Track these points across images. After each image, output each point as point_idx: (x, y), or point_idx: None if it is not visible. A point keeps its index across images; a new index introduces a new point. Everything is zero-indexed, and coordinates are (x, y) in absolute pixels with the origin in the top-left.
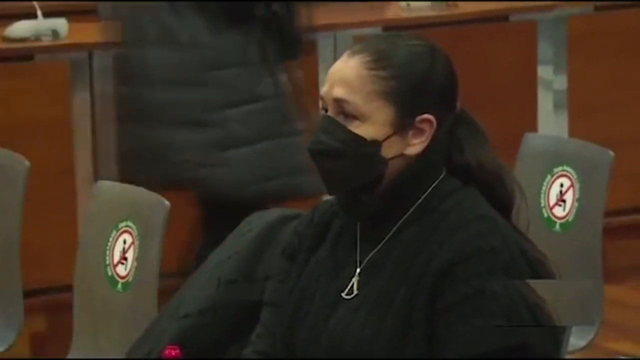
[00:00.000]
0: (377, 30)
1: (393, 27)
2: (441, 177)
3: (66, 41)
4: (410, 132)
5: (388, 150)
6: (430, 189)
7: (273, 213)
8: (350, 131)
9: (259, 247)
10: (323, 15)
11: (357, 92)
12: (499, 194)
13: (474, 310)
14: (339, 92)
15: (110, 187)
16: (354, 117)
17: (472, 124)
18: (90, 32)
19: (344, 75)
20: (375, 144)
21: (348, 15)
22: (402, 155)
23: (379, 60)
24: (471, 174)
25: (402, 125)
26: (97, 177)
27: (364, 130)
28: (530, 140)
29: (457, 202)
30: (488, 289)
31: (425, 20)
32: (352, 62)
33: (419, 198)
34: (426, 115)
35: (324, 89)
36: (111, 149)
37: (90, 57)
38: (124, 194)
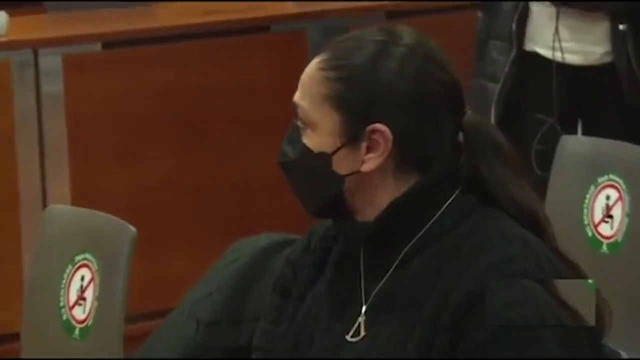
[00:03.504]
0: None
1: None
2: (455, 193)
3: (6, 38)
4: (364, 145)
5: (341, 165)
6: (442, 208)
7: (261, 239)
8: (301, 142)
9: (245, 280)
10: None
11: (307, 95)
12: (528, 210)
13: (507, 351)
14: (296, 95)
15: (63, 213)
16: (305, 124)
17: (485, 132)
18: (35, 27)
19: (303, 76)
20: (323, 157)
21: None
22: (358, 172)
23: (335, 59)
24: (491, 190)
25: (351, 136)
26: (46, 201)
27: (314, 140)
28: (569, 144)
29: (477, 222)
30: (521, 324)
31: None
32: (314, 61)
33: (430, 219)
34: (377, 125)
35: None
36: (64, 166)
37: (35, 56)
38: (80, 220)
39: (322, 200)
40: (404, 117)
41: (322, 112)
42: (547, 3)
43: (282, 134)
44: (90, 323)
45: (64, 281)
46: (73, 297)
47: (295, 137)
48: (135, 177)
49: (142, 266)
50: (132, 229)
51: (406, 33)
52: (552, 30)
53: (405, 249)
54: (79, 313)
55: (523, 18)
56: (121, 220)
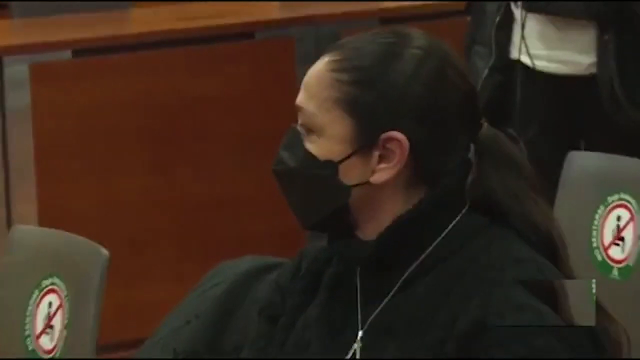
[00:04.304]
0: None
1: (391, 20)
2: (463, 212)
3: None
4: (376, 154)
5: (349, 175)
6: (449, 227)
7: (244, 263)
8: (304, 148)
9: (226, 307)
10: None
11: (313, 98)
12: (543, 230)
13: None
14: (299, 97)
15: (29, 234)
16: (309, 129)
17: (500, 146)
18: None
19: (308, 77)
20: (329, 166)
21: (335, 5)
22: (367, 183)
23: (346, 60)
24: (503, 207)
25: (363, 143)
26: (11, 220)
27: (319, 147)
28: (577, 160)
29: (486, 244)
30: (532, 357)
31: None
32: (320, 62)
33: (435, 239)
34: (393, 133)
35: None
36: (31, 183)
37: (0, 64)
38: (47, 242)
39: (322, 213)
40: (420, 125)
41: (332, 117)
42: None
43: (267, 148)
44: (58, 354)
45: (30, 308)
46: (40, 325)
47: (295, 142)
48: (107, 195)
49: (115, 292)
50: (104, 251)
51: (418, 35)
52: (535, 37)
53: (408, 271)
54: (46, 342)
55: (507, 23)
56: (92, 242)
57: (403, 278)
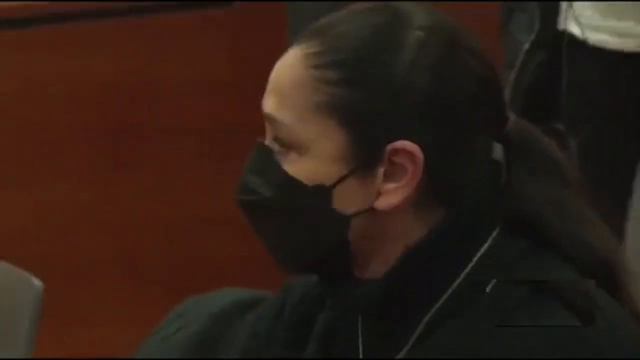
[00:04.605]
0: None
1: None
2: (494, 235)
3: None
4: (380, 171)
5: (345, 202)
6: (477, 256)
7: (218, 298)
8: (281, 170)
9: (195, 357)
10: None
11: (290, 106)
12: (600, 256)
13: None
14: (268, 104)
15: None
16: (288, 146)
17: (537, 145)
18: None
19: (277, 77)
20: (320, 192)
21: None
22: (370, 210)
23: (329, 52)
24: (545, 227)
25: (363, 159)
26: None
27: (303, 168)
28: None
29: (525, 276)
30: None
31: None
32: (292, 54)
33: (459, 274)
34: (402, 143)
35: (264, 98)
36: None
37: None
38: None
39: (314, 255)
40: (432, 128)
41: (319, 129)
42: None
43: (249, 147)
44: None
45: None
46: None
47: (267, 163)
48: (38, 210)
49: (50, 333)
50: (37, 282)
51: (419, 10)
52: (588, 3)
53: (426, 317)
54: None
55: None
56: (21, 271)
57: (420, 328)
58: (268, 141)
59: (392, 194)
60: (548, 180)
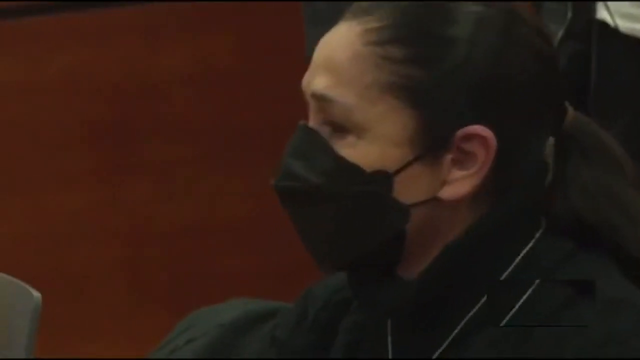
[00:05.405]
0: None
1: None
2: (537, 236)
3: None
4: (448, 158)
5: (407, 190)
6: (519, 256)
7: (227, 310)
8: (337, 155)
9: None
10: None
11: (349, 84)
12: None
13: None
14: (319, 83)
15: None
16: (344, 129)
17: (594, 138)
18: None
19: (329, 54)
20: (380, 179)
21: None
22: (434, 199)
23: (390, 27)
24: (592, 228)
25: (431, 144)
26: None
27: (363, 152)
28: None
29: (571, 279)
30: None
31: None
32: (346, 30)
33: (500, 275)
34: (473, 128)
35: (304, 77)
36: None
37: None
38: None
39: (364, 248)
40: (504, 115)
41: (382, 109)
42: None
43: (262, 150)
44: None
45: None
46: None
47: (314, 147)
48: (35, 219)
49: (49, 348)
50: (36, 293)
51: None
52: None
53: (463, 321)
54: None
55: None
56: (18, 281)
57: (456, 331)
58: (313, 123)
59: (459, 184)
60: (610, 179)
